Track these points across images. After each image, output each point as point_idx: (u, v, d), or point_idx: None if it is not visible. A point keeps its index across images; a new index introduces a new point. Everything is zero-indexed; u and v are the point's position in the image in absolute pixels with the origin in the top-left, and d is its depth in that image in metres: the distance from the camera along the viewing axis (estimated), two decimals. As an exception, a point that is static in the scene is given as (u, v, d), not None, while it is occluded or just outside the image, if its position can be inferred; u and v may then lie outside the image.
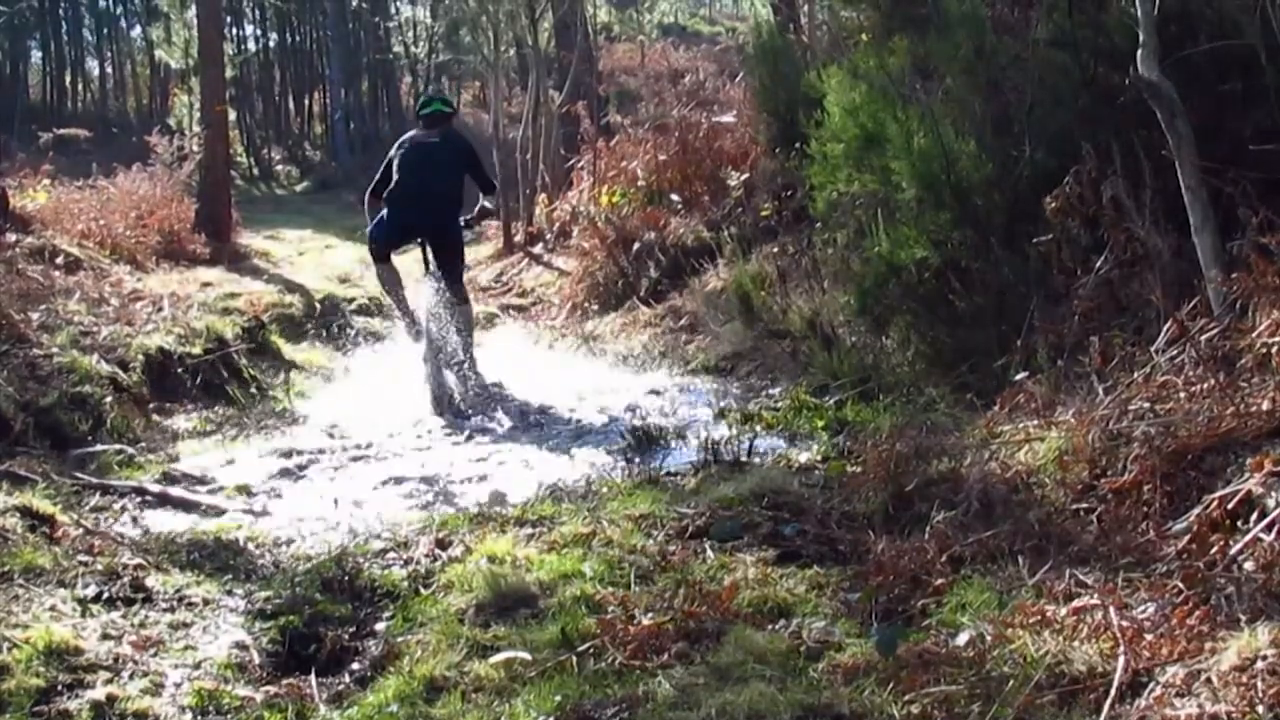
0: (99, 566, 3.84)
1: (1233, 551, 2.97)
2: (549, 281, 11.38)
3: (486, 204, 7.42)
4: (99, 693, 3.00)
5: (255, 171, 24.11)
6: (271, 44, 27.36)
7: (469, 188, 7.21)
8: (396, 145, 7.20)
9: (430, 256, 7.04)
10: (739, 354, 7.46)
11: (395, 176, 6.91)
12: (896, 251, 5.63)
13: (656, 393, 6.99)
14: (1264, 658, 2.44)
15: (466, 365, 6.86)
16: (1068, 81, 5.24)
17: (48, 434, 5.38)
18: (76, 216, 10.19)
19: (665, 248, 9.60)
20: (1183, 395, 3.70)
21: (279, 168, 24.97)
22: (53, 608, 3.47)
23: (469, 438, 6.16)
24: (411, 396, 6.69)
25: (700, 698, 2.82)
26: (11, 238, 8.59)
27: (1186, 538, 3.14)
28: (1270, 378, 3.53)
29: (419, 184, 6.78)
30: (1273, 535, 2.93)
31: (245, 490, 5.15)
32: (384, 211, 6.99)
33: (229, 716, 3.02)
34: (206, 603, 3.71)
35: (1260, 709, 2.33)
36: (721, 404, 6.33)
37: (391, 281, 7.23)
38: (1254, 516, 3.06)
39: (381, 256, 7.10)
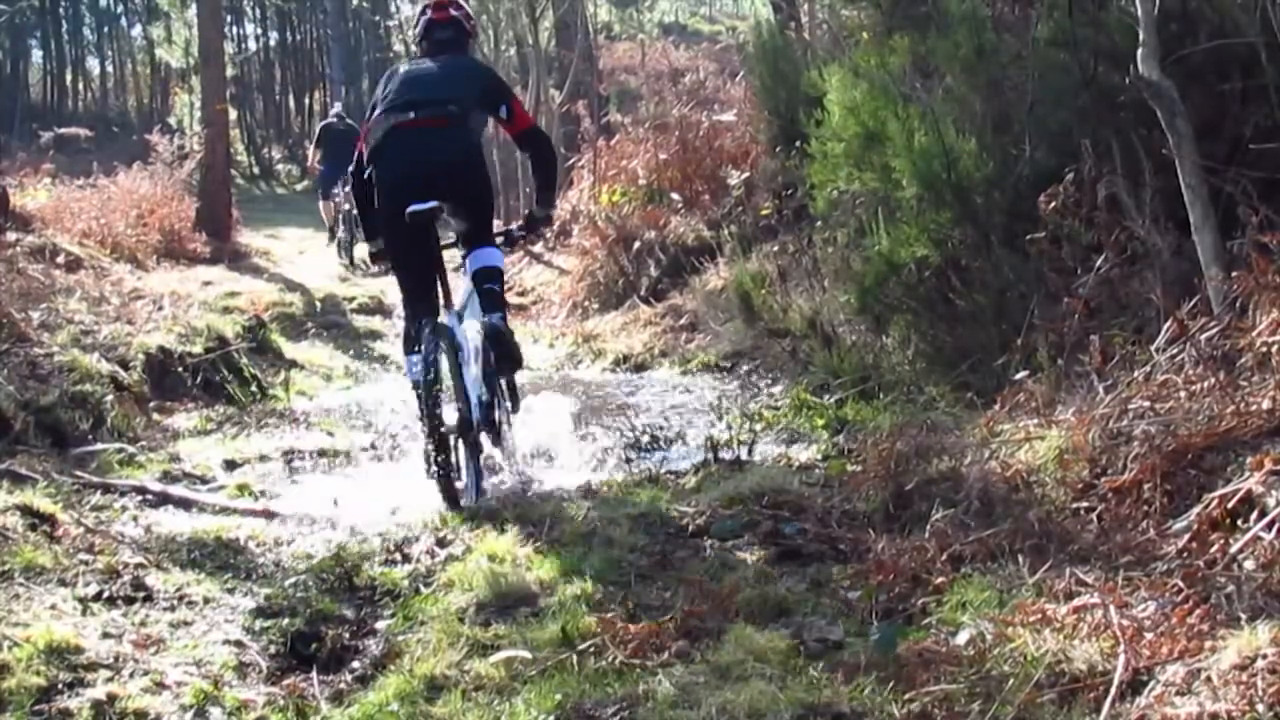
0: (99, 565, 3.84)
1: (1233, 550, 2.97)
2: (549, 280, 11.39)
3: None
4: (99, 691, 2.99)
5: (256, 170, 24.14)
6: (272, 43, 27.44)
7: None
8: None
9: None
10: (739, 353, 7.45)
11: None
12: (897, 250, 5.63)
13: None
14: (1264, 656, 2.44)
15: None
16: (1068, 80, 5.24)
17: (48, 432, 5.37)
18: (77, 215, 10.21)
19: (665, 246, 9.61)
20: (1183, 394, 3.70)
21: (279, 166, 24.99)
22: (53, 606, 3.47)
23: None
24: None
25: (700, 696, 2.82)
26: (12, 236, 8.60)
27: (1187, 536, 3.13)
28: (1270, 376, 3.52)
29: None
30: (1273, 534, 2.92)
31: (246, 489, 5.15)
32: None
33: (229, 715, 3.02)
34: (207, 601, 3.71)
35: (1260, 707, 2.32)
36: (722, 403, 6.33)
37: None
38: (1254, 515, 3.05)
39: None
